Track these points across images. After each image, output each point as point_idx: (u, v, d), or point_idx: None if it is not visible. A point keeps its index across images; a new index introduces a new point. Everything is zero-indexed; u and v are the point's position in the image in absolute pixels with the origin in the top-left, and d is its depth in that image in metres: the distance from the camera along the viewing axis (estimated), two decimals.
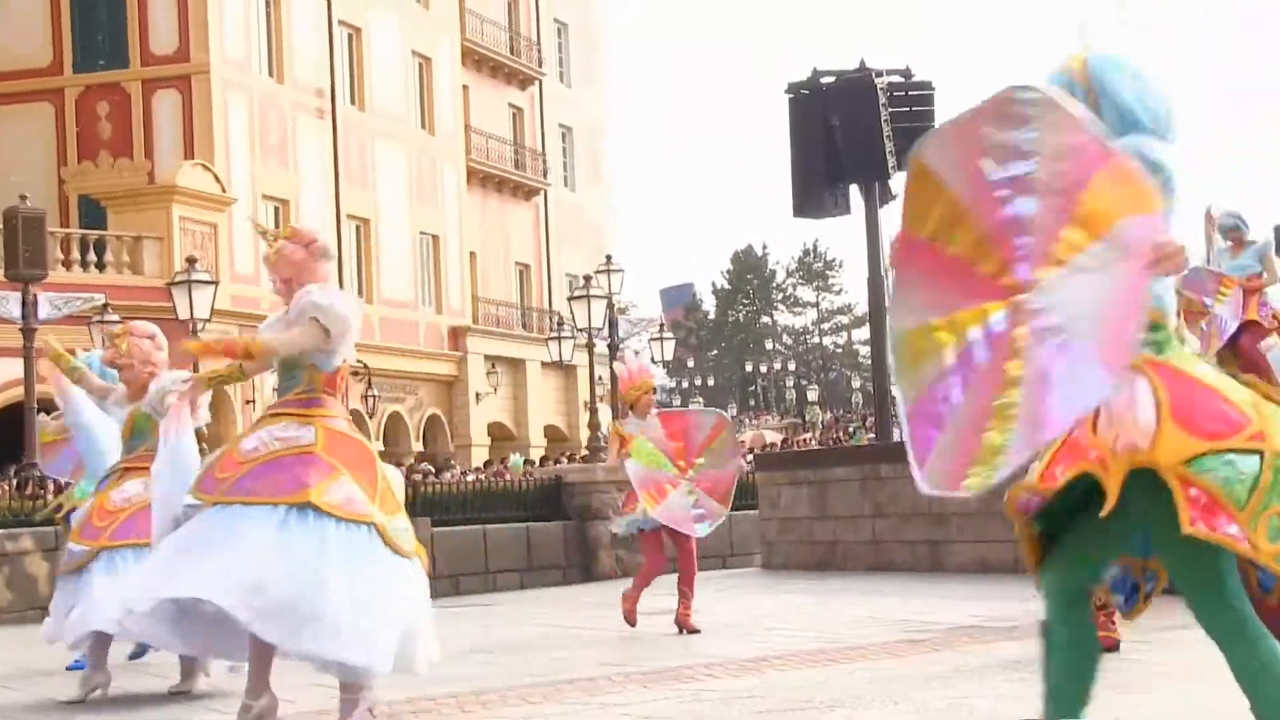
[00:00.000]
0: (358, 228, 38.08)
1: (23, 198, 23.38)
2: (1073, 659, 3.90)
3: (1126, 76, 3.88)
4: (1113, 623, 7.37)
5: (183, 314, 23.09)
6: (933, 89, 21.37)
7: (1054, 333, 3.49)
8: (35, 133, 33.21)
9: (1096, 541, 3.91)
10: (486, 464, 31.36)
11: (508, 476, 23.14)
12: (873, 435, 30.12)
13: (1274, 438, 3.74)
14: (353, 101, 37.84)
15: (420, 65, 40.80)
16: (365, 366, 35.70)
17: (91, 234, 30.82)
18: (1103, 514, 3.74)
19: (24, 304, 20.37)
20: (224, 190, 32.61)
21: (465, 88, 43.07)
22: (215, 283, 24.22)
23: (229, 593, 5.76)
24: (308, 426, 6.16)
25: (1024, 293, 3.58)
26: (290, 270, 6.51)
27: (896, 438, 16.25)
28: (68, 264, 29.42)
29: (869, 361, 65.18)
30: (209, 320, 23.33)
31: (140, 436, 8.28)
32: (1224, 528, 3.65)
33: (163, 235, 31.08)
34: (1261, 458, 3.71)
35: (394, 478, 6.31)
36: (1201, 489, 3.67)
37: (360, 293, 37.83)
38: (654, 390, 10.90)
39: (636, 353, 11.77)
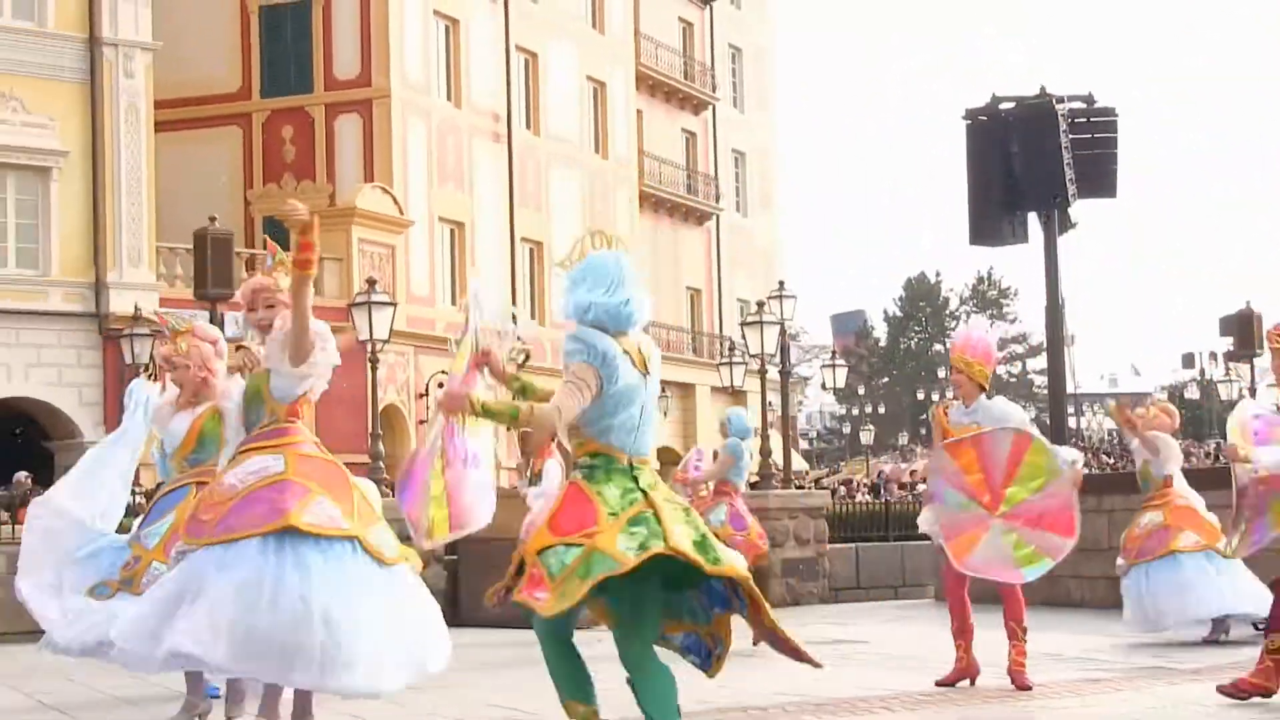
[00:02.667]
0: (531, 250, 38.45)
1: (211, 219, 24.10)
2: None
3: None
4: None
5: (362, 334, 23.53)
6: (1116, 115, 21.06)
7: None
8: (223, 156, 34.10)
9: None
10: None
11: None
12: None
13: (600, 540, 5.27)
14: (528, 126, 38.28)
15: (595, 90, 41.16)
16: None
17: (261, 254, 31.57)
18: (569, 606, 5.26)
19: (211, 323, 21.00)
20: (402, 212, 33.16)
21: (639, 112, 43.35)
22: (394, 304, 24.64)
23: (216, 646, 5.86)
24: (277, 456, 6.32)
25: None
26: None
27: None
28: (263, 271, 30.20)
29: (1044, 392, 64.23)
30: (387, 341, 23.75)
31: (206, 448, 7.77)
32: (533, 594, 5.27)
33: (343, 256, 31.73)
34: (581, 550, 5.26)
35: (369, 490, 6.54)
36: (540, 570, 5.28)
37: (532, 315, 38.20)
38: (987, 379, 8.92)
39: (991, 323, 9.39)
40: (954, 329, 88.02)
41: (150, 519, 7.66)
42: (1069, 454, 8.62)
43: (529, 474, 12.89)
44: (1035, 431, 8.65)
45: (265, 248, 7.09)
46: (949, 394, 9.80)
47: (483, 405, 5.53)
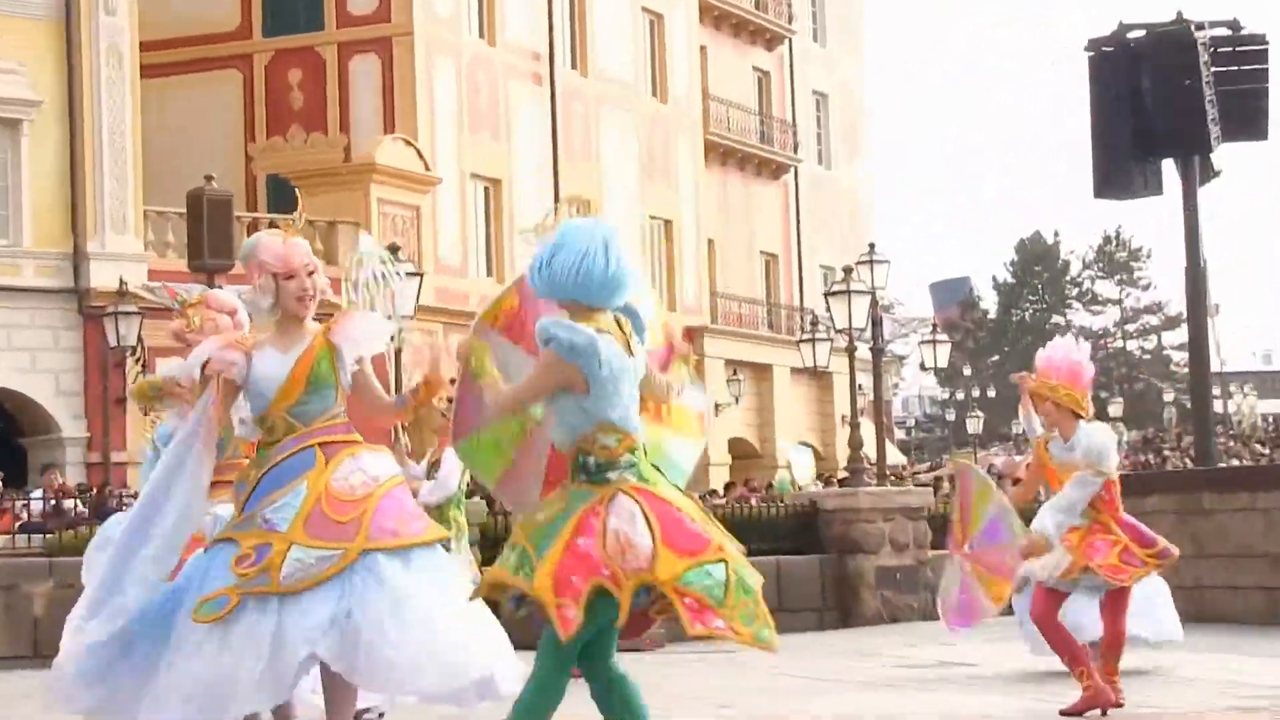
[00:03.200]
0: (578, 210, 38.34)
1: (208, 178, 24.25)
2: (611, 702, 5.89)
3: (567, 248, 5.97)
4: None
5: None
6: (1266, 44, 20.87)
7: None
8: (220, 105, 34.27)
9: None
10: (728, 486, 31.42)
11: (753, 501, 23.14)
12: (1190, 458, 29.54)
13: (728, 548, 5.69)
14: (574, 66, 38.29)
15: (651, 23, 41.12)
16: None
17: (281, 219, 31.74)
18: (619, 623, 5.67)
19: None
20: (428, 168, 33.24)
21: (703, 49, 43.28)
22: (420, 274, 24.66)
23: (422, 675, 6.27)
24: (376, 454, 6.61)
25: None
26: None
27: (1221, 462, 15.93)
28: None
29: (1184, 370, 63.73)
30: (413, 317, 23.77)
31: (319, 397, 7.04)
32: (713, 623, 5.58)
33: (359, 220, 31.81)
34: (726, 566, 5.65)
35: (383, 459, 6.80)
36: (693, 597, 5.58)
37: None
38: (1081, 405, 9.22)
39: (1077, 337, 10.06)
40: (1076, 297, 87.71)
41: (262, 491, 6.60)
42: (1045, 522, 9.00)
43: (426, 463, 13.05)
44: (983, 475, 9.85)
45: (167, 291, 7.17)
46: None
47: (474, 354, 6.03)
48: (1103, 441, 9.02)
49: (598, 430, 5.80)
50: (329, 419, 6.62)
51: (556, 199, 37.07)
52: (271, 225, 30.65)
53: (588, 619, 5.60)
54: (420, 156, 33.14)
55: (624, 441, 5.82)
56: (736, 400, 41.64)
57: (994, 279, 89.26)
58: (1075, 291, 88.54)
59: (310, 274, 6.64)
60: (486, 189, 35.73)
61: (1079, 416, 9.05)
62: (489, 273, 35.23)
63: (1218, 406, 60.84)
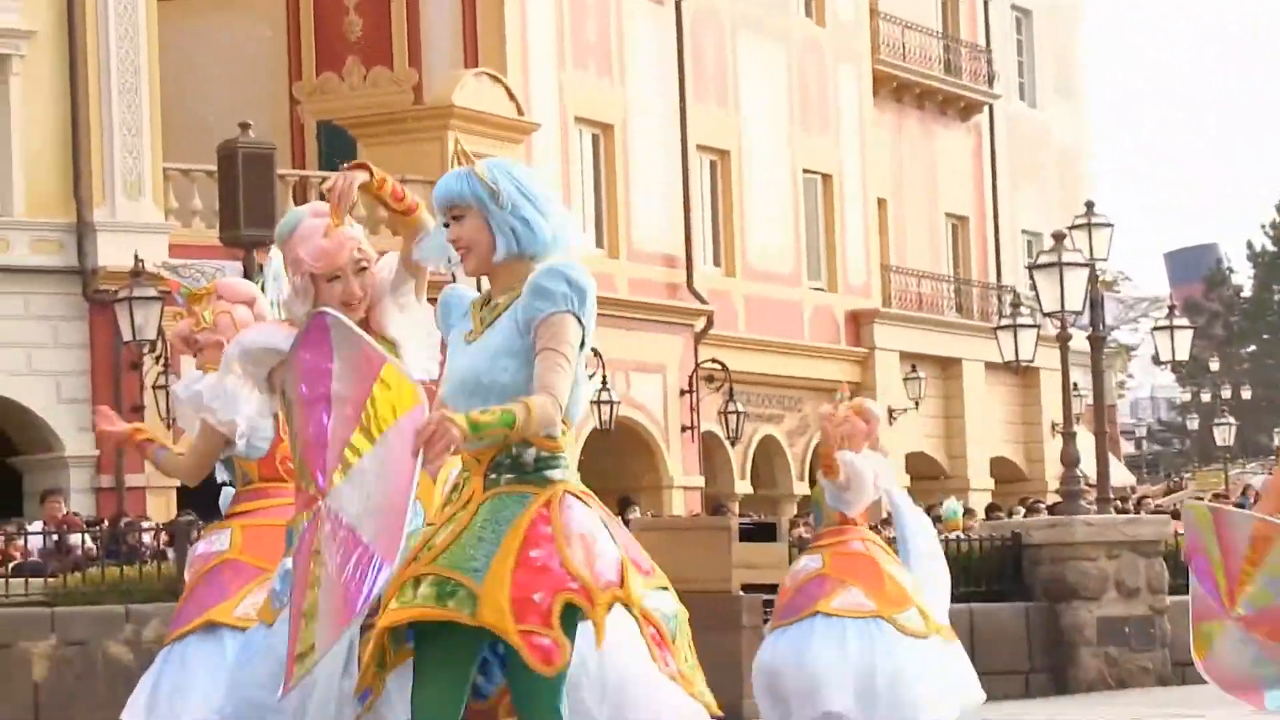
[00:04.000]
0: (713, 164, 38.42)
1: (244, 127, 24.36)
2: None
3: (525, 193, 5.82)
4: None
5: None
6: None
7: (341, 530, 5.57)
8: (259, 36, 34.51)
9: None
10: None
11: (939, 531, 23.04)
12: None
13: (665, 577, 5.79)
14: None
15: None
16: (723, 368, 36.05)
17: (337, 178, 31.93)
18: (598, 647, 5.59)
19: (247, 277, 21.25)
20: (521, 113, 33.32)
21: None
22: None
23: None
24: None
25: (322, 499, 5.69)
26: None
27: None
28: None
29: None
30: None
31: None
32: (671, 664, 5.66)
33: (435, 177, 31.82)
34: (672, 594, 5.76)
35: None
36: (656, 627, 5.64)
37: (716, 261, 38.18)
38: None
39: None
40: None
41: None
42: None
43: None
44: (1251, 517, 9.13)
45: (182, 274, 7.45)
46: None
47: (469, 421, 5.51)
48: None
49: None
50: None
51: (684, 149, 37.10)
52: (324, 189, 30.75)
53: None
54: (511, 97, 33.23)
55: (566, 433, 5.79)
56: (916, 404, 41.42)
57: (1249, 246, 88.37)
58: None
59: (361, 271, 6.51)
60: (595, 137, 35.79)
61: None
62: (598, 243, 35.24)
63: None
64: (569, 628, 5.56)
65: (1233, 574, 9.00)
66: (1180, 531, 22.57)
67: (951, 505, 29.74)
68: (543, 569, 5.54)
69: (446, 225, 5.86)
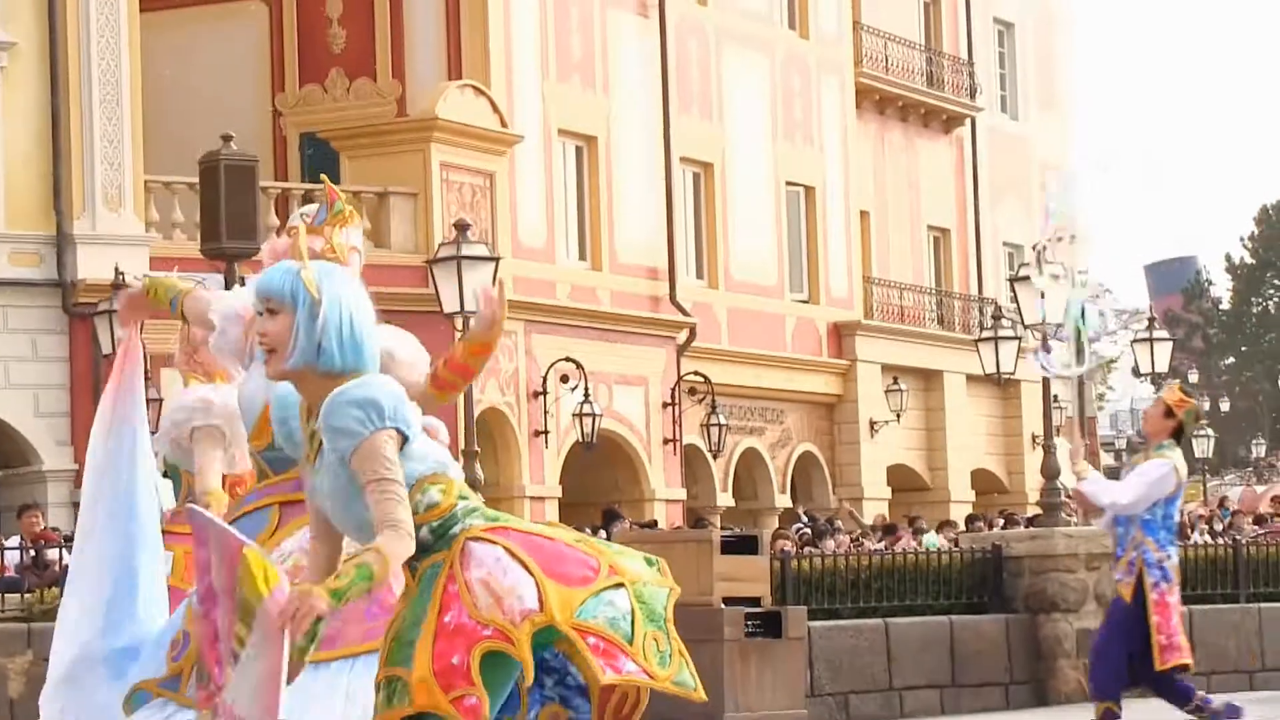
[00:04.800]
0: (696, 176, 38.34)
1: (225, 139, 24.27)
2: None
3: (337, 306, 5.68)
4: None
5: (448, 304, 23.53)
6: None
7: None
8: (241, 47, 34.42)
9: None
10: (888, 528, 31.22)
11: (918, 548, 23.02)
12: None
13: (623, 567, 5.70)
14: None
15: None
16: (706, 381, 35.95)
17: (318, 189, 31.82)
18: (528, 684, 5.67)
19: (228, 289, 21.16)
20: (504, 124, 33.22)
21: None
22: (496, 259, 24.63)
23: None
24: None
25: (219, 695, 5.74)
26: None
27: None
28: (286, 231, 30.42)
29: None
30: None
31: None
32: (625, 667, 5.56)
33: (418, 190, 31.85)
34: (626, 590, 5.66)
35: None
36: (597, 635, 5.56)
37: (699, 273, 38.10)
38: None
39: None
40: None
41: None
42: None
43: None
44: None
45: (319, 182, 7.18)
46: None
47: (329, 591, 5.52)
48: None
49: (414, 491, 5.68)
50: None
51: (668, 161, 37.02)
52: (306, 199, 30.71)
53: (492, 696, 5.58)
54: (495, 109, 33.15)
55: (448, 488, 5.75)
56: (897, 417, 41.40)
57: (1228, 258, 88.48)
58: None
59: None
60: (579, 149, 35.69)
61: None
62: (581, 255, 35.16)
63: None
64: (500, 674, 5.60)
65: None
66: None
67: (931, 539, 29.78)
68: (456, 630, 5.58)
69: (260, 314, 5.73)
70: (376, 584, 5.50)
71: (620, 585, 5.67)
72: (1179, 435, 12.70)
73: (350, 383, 5.60)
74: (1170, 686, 12.86)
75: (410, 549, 5.56)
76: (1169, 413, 12.58)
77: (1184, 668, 12.79)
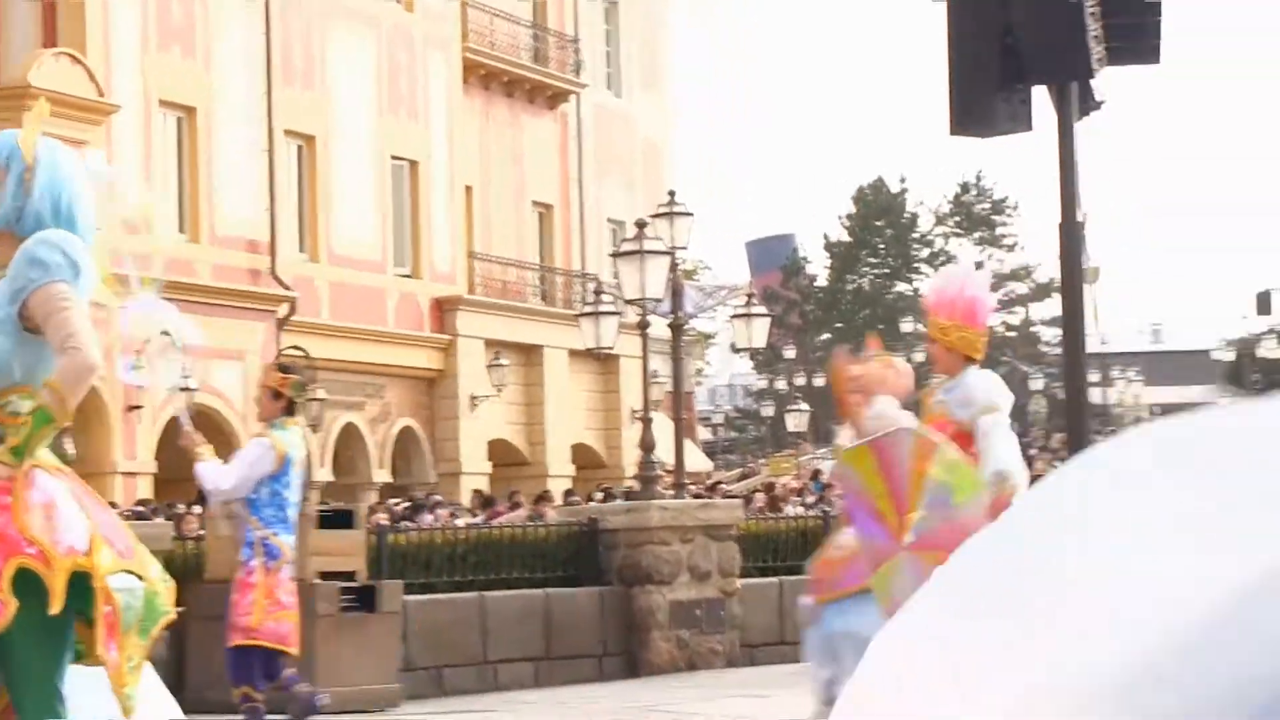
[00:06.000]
0: (299, 149, 38.15)
1: None
2: None
3: (56, 170, 5.65)
4: None
5: None
6: None
7: None
8: None
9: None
10: (486, 502, 31.31)
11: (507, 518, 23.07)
12: (1061, 461, 29.81)
13: (148, 568, 5.59)
14: None
15: None
16: (305, 355, 35.68)
17: None
18: (52, 612, 5.39)
19: None
20: (101, 94, 32.80)
21: None
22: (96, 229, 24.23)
23: None
24: None
25: None
26: None
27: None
28: None
29: (1056, 350, 64.56)
30: None
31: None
32: (112, 654, 5.46)
33: None
34: (143, 588, 5.56)
35: None
36: (114, 608, 5.45)
37: (301, 246, 37.88)
38: (975, 346, 9.63)
39: (981, 255, 10.38)
40: (927, 260, 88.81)
41: None
42: (997, 464, 8.95)
43: None
44: (942, 439, 8.99)
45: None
46: (902, 358, 10.14)
47: (11, 449, 5.58)
48: (996, 384, 9.15)
49: (12, 391, 5.56)
50: None
51: (271, 135, 36.74)
52: None
53: (27, 626, 5.39)
54: (92, 78, 32.77)
55: (37, 412, 5.59)
56: (499, 391, 41.54)
57: (825, 237, 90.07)
58: (925, 253, 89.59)
59: None
60: (179, 120, 35.34)
61: (972, 360, 9.16)
62: (180, 228, 34.82)
63: (1096, 395, 61.82)
64: (29, 594, 5.37)
65: (900, 499, 8.82)
66: (751, 516, 22.89)
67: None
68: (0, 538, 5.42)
69: None
70: (59, 420, 5.48)
71: (144, 579, 5.57)
72: (292, 410, 12.76)
73: (66, 236, 5.53)
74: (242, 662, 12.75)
75: (89, 362, 5.46)
76: (276, 395, 12.63)
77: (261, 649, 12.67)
